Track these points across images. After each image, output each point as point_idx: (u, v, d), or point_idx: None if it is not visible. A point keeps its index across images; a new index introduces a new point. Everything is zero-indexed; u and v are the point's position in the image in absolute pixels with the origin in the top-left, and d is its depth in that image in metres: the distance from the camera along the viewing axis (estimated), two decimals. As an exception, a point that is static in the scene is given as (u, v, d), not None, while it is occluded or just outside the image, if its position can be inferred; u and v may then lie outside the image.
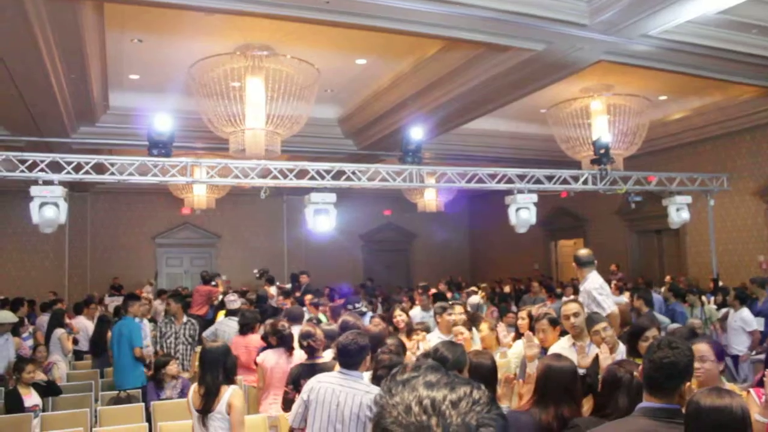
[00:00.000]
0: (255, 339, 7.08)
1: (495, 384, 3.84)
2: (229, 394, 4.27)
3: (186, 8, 6.89)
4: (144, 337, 8.26)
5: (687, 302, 9.86)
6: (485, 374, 3.66)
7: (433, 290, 11.93)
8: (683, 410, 2.69)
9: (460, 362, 3.78)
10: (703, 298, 10.18)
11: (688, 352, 2.94)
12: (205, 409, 4.27)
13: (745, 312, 8.64)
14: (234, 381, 4.46)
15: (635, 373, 3.31)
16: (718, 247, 11.57)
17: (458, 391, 1.07)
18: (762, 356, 8.24)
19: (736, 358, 8.53)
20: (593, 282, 5.90)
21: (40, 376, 6.89)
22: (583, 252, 6.16)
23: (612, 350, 4.63)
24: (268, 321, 6.47)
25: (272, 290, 12.30)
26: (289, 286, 13.44)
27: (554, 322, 5.31)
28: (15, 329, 8.82)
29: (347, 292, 12.63)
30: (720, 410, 2.49)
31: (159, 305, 12.45)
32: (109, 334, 9.45)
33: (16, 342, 8.39)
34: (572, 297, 8.81)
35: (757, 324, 8.59)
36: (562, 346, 5.02)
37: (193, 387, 4.47)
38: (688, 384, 2.87)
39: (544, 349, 5.05)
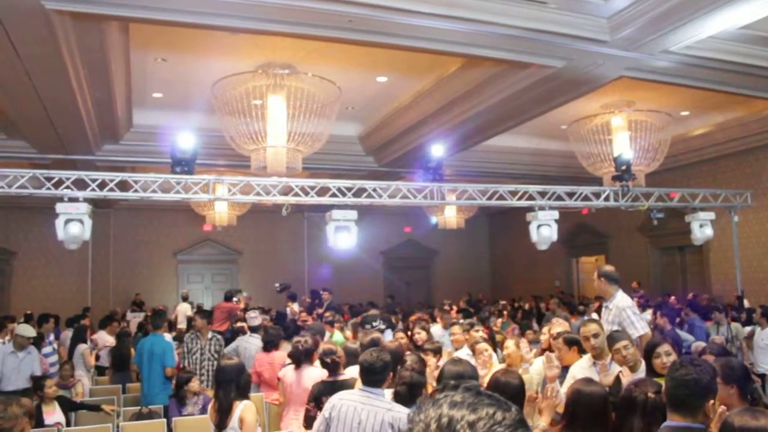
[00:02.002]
0: (279, 356, 7.08)
1: (523, 403, 3.81)
2: (241, 409, 4.32)
3: (209, 28, 6.99)
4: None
5: (712, 320, 9.74)
6: (513, 394, 3.63)
7: (454, 308, 11.91)
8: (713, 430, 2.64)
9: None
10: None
11: (711, 369, 2.91)
12: (219, 425, 4.32)
13: (772, 330, 8.52)
14: (248, 398, 4.48)
15: (650, 394, 3.25)
16: (742, 263, 11.42)
17: (479, 412, 1.05)
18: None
19: (763, 377, 8.39)
20: (626, 300, 5.79)
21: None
22: (611, 268, 6.08)
23: (633, 369, 4.59)
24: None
25: (295, 307, 12.28)
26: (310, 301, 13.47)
27: (570, 342, 5.27)
28: (36, 344, 8.89)
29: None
30: None
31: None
32: (132, 350, 9.54)
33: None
34: (594, 316, 8.74)
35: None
36: (582, 365, 4.99)
37: (211, 403, 4.54)
38: (711, 402, 2.84)
39: (564, 368, 5.02)
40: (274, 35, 7.30)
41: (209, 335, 8.03)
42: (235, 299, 12.21)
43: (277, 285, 13.63)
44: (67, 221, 6.95)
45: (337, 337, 8.62)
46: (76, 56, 7.46)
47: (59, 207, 6.98)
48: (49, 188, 7.30)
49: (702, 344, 7.52)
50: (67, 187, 7.25)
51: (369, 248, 18.23)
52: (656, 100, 10.68)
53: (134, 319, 14.31)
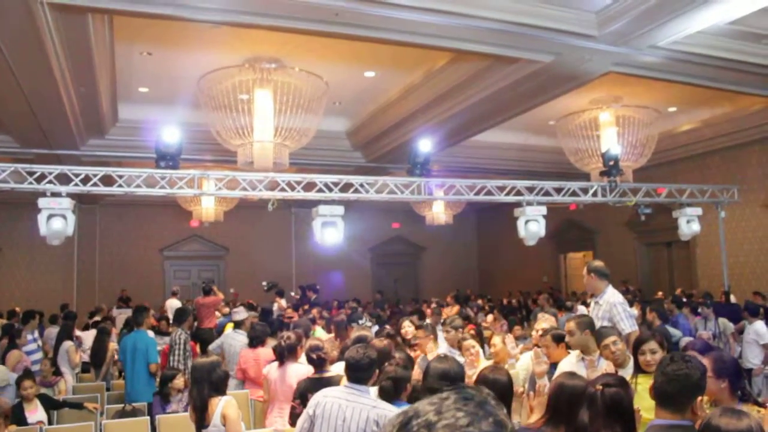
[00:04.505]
0: (264, 352, 7.01)
1: (511, 400, 3.77)
2: (222, 405, 4.23)
3: (195, 21, 6.91)
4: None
5: (700, 315, 9.76)
6: (501, 391, 3.59)
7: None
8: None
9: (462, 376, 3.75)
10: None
11: (701, 366, 2.89)
12: (199, 424, 4.24)
13: (758, 325, 8.54)
14: (224, 394, 4.41)
15: (597, 387, 3.20)
16: (728, 259, 11.47)
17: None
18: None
19: (749, 372, 8.42)
20: (616, 295, 5.73)
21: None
22: (601, 264, 6.02)
23: (622, 365, 4.56)
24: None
25: (282, 303, 12.24)
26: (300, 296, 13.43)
27: (558, 339, 5.24)
28: (13, 342, 8.76)
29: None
30: None
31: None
32: (113, 345, 9.45)
33: (16, 355, 8.31)
34: (581, 312, 8.73)
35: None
36: (571, 361, 4.96)
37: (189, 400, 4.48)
38: (700, 398, 2.81)
39: (552, 365, 4.99)
40: (259, 29, 7.23)
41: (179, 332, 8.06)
42: (211, 292, 12.13)
43: (264, 284, 13.53)
44: (50, 216, 6.85)
45: (319, 333, 8.56)
46: (60, 50, 7.35)
47: (41, 202, 6.88)
48: (31, 183, 7.18)
49: (688, 339, 7.53)
50: (50, 182, 7.15)
51: (357, 244, 18.19)
52: (644, 96, 10.69)
53: (120, 315, 14.19)
